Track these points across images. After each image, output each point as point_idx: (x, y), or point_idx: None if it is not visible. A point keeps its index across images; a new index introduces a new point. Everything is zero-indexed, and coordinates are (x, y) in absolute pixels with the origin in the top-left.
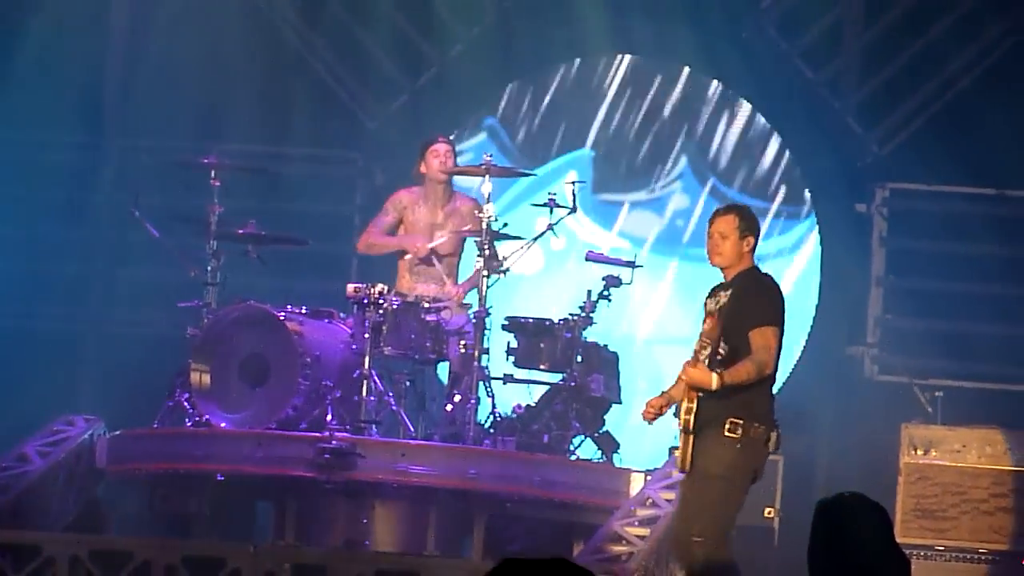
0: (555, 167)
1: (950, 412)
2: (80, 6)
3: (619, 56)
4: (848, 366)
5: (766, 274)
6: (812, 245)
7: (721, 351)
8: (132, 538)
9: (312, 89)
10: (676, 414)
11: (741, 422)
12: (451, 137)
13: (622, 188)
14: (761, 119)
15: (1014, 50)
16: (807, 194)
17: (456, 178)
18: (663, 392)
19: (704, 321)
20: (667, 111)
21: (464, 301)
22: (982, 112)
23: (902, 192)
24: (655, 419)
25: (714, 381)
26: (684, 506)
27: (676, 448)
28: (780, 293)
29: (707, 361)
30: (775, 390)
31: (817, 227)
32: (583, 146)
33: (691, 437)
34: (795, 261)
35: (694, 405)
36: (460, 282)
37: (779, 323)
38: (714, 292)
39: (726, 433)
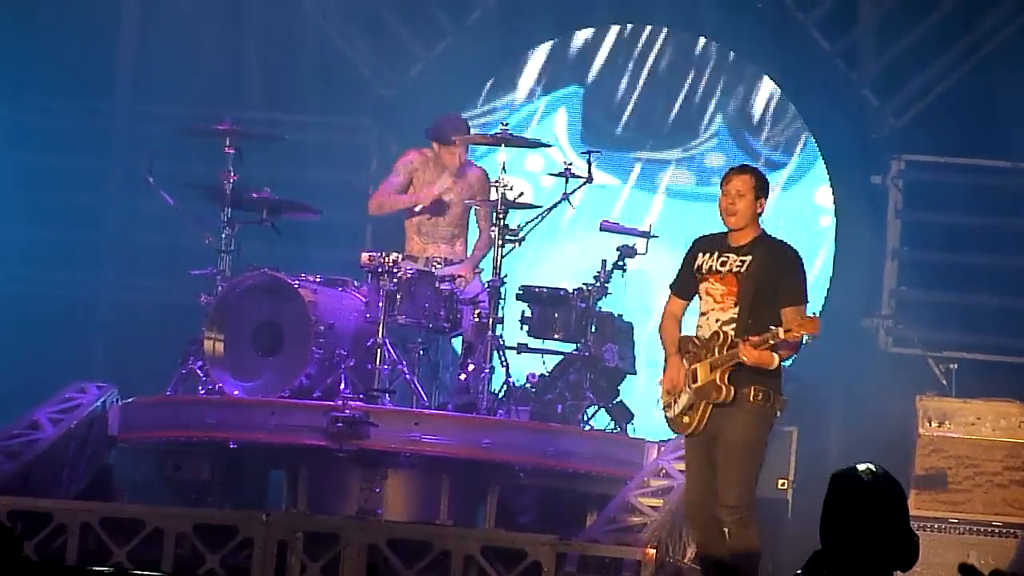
0: (547, 102)
1: (964, 384)
2: None
3: (633, 26)
4: (863, 338)
5: (791, 245)
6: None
7: (750, 321)
8: (143, 506)
9: (328, 57)
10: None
11: (764, 389)
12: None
13: (655, 146)
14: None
15: None
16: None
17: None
18: (676, 366)
19: (704, 278)
20: (685, 78)
21: (478, 268)
22: (998, 85)
23: (917, 164)
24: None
25: (775, 361)
26: (703, 473)
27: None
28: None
29: (734, 327)
30: (787, 364)
31: (833, 199)
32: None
33: (710, 406)
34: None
35: (702, 376)
36: (470, 252)
37: (807, 298)
38: (717, 251)
39: (752, 400)
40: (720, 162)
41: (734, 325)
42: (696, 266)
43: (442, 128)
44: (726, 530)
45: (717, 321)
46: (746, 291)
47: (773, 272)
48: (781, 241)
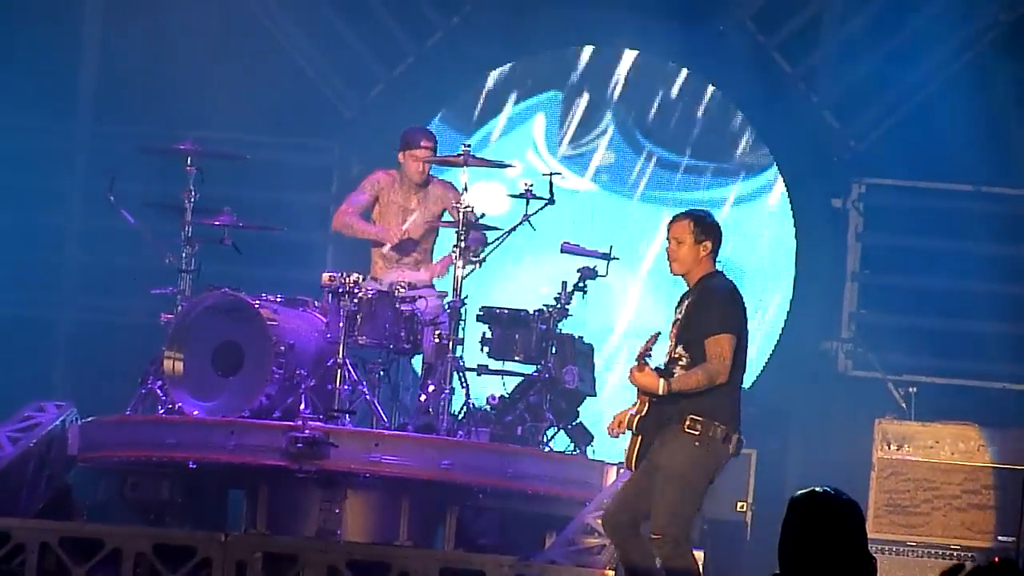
0: (527, 107)
1: (924, 408)
2: None
3: (592, 48)
4: (822, 361)
5: (727, 280)
6: (777, 195)
7: (681, 360)
8: (103, 525)
9: (289, 77)
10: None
11: (701, 420)
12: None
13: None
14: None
15: (992, 46)
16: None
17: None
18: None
19: (672, 329)
20: (635, 98)
21: (439, 288)
22: (959, 108)
23: (878, 187)
24: (620, 431)
25: (661, 387)
26: (633, 500)
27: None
28: (739, 299)
29: (664, 366)
30: (746, 387)
31: (792, 219)
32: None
33: (637, 438)
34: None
35: (645, 408)
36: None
37: (736, 330)
38: (681, 300)
39: (686, 430)
40: (611, 160)
41: (668, 367)
42: (673, 320)
43: (410, 134)
44: (658, 562)
45: (661, 364)
46: (679, 332)
47: (699, 305)
48: (718, 278)
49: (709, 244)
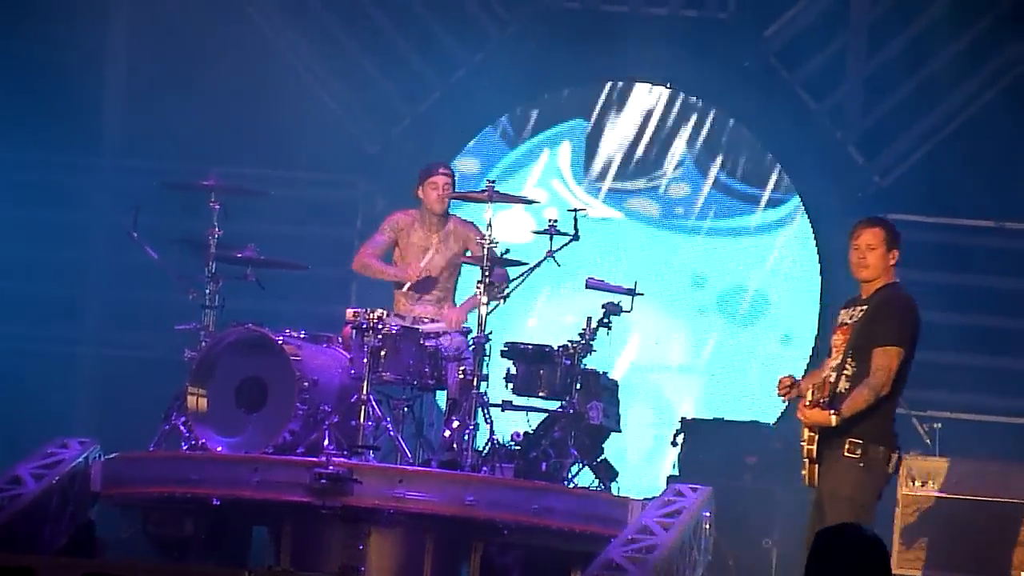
0: (550, 135)
1: (948, 444)
2: (78, 25)
3: (615, 83)
4: None
5: (907, 293)
6: (797, 223)
7: (847, 369)
8: (126, 562)
9: (314, 112)
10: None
11: (861, 443)
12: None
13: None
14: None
15: (1015, 82)
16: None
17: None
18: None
19: (834, 331)
20: (666, 134)
21: (464, 325)
22: (983, 144)
23: (902, 223)
24: (788, 395)
25: (833, 421)
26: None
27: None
28: (915, 313)
29: (833, 376)
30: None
31: (817, 255)
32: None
33: (815, 465)
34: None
35: (816, 434)
36: (459, 304)
37: (906, 344)
38: (849, 304)
39: (846, 455)
40: (685, 192)
41: (835, 375)
42: (837, 323)
43: (427, 165)
44: None
45: (832, 370)
46: (850, 339)
47: (874, 316)
48: (899, 289)
49: (897, 253)
